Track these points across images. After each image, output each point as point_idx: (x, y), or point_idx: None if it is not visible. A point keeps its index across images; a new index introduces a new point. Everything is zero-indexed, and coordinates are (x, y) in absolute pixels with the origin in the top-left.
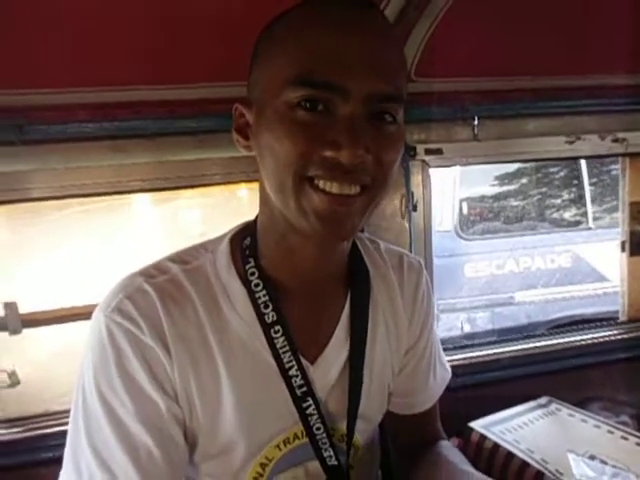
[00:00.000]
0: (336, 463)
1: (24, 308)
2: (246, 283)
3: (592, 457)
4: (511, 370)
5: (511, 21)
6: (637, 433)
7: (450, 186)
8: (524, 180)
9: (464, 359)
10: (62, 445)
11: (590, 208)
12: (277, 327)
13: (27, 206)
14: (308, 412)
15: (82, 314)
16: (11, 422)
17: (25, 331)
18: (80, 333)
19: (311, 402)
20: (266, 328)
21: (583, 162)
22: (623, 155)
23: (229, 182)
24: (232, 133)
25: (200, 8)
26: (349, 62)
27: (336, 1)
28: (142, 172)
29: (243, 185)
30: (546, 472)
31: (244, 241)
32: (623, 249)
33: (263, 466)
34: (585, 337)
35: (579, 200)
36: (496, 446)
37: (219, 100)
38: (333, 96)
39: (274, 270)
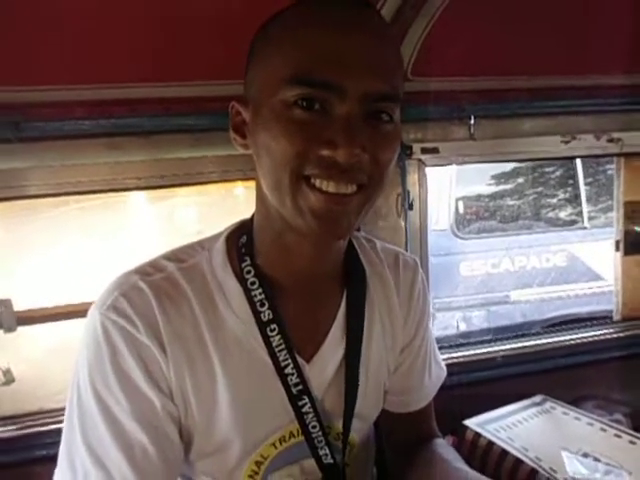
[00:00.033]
0: (332, 461)
1: (19, 305)
2: (242, 281)
3: (585, 455)
4: (506, 368)
5: (507, 21)
6: (630, 431)
7: (446, 185)
8: (520, 179)
9: (459, 357)
10: (57, 443)
11: (585, 207)
12: (273, 325)
13: (23, 203)
14: (304, 410)
15: (77, 312)
16: (6, 420)
17: (20, 329)
18: (75, 331)
19: (307, 400)
20: (262, 326)
21: (579, 162)
22: (618, 155)
23: (225, 180)
24: (229, 131)
25: (197, 6)
26: (346, 61)
27: (332, 0)
28: (138, 170)
29: (239, 183)
30: (540, 469)
31: (240, 239)
32: (617, 248)
33: (258, 464)
34: (579, 336)
35: (574, 199)
36: (490, 444)
37: (216, 98)
38: (330, 95)
39: (270, 268)
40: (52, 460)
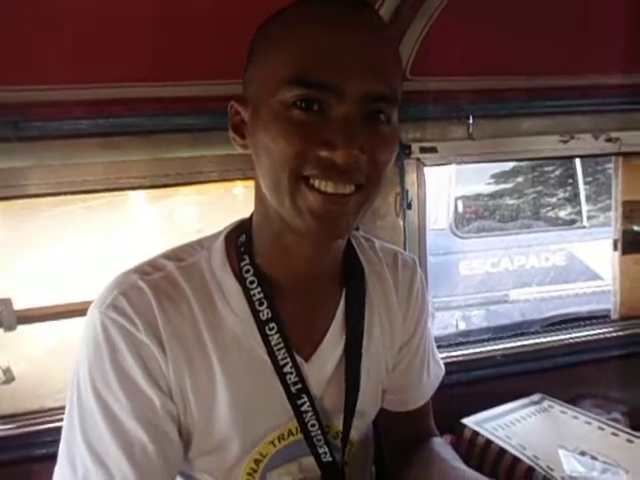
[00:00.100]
0: (331, 459)
1: (19, 304)
2: (241, 280)
3: (583, 453)
4: (505, 367)
5: (506, 21)
6: (628, 430)
7: (446, 184)
8: (519, 179)
9: (458, 356)
10: (57, 441)
11: (585, 207)
12: (272, 324)
13: (23, 203)
14: (303, 409)
15: (77, 311)
16: (6, 418)
17: (20, 327)
18: (75, 330)
19: (306, 399)
20: (261, 325)
21: (578, 161)
22: (616, 154)
23: (225, 180)
24: (228, 131)
25: (196, 6)
26: (344, 62)
27: (331, 0)
28: (138, 169)
29: (239, 183)
30: (537, 468)
31: (239, 238)
32: (615, 247)
33: (257, 462)
34: (577, 335)
35: (574, 199)
36: (488, 442)
37: (215, 98)
38: (328, 96)
39: (269, 267)
40: (52, 458)
